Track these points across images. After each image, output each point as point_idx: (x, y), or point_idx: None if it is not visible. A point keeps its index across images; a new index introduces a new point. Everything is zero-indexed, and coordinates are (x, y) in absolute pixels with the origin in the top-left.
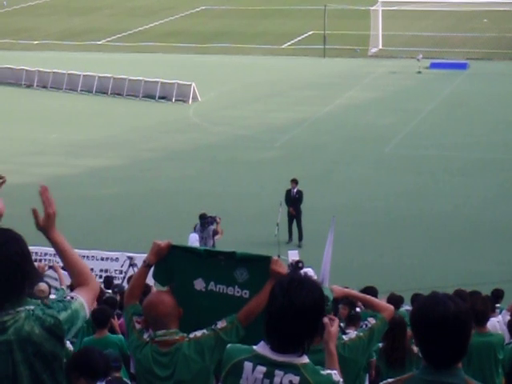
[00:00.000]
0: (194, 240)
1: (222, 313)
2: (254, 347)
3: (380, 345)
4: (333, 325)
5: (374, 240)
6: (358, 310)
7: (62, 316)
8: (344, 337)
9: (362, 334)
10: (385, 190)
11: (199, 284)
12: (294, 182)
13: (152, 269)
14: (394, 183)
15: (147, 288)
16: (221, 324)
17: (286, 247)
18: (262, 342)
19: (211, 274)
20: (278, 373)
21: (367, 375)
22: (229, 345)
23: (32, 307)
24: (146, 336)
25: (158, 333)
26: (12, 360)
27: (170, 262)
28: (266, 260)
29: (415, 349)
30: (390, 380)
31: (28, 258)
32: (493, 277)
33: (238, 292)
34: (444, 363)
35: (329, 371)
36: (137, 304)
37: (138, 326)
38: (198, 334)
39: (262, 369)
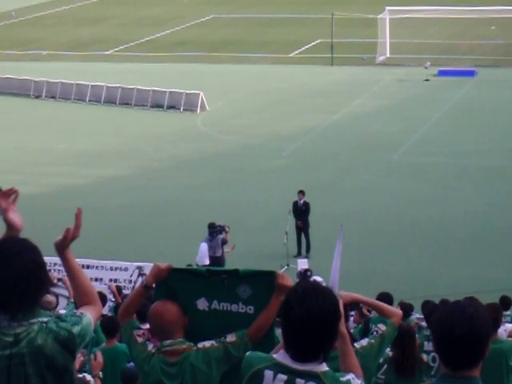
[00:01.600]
0: (204, 250)
1: (228, 330)
2: (274, 355)
3: (390, 354)
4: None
5: (383, 248)
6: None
7: (76, 330)
8: (356, 344)
9: (373, 340)
10: (394, 197)
11: (202, 304)
12: (301, 193)
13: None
14: (402, 190)
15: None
16: (230, 338)
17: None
18: (282, 351)
19: (214, 293)
20: (299, 381)
21: None
22: (248, 352)
23: (45, 319)
24: (150, 347)
25: (165, 343)
26: (24, 372)
27: (171, 284)
28: (271, 275)
29: (425, 357)
30: None
31: (43, 268)
32: (502, 284)
33: (242, 309)
34: (463, 368)
35: (347, 377)
36: (133, 319)
37: (139, 340)
38: (207, 344)
39: (282, 377)
